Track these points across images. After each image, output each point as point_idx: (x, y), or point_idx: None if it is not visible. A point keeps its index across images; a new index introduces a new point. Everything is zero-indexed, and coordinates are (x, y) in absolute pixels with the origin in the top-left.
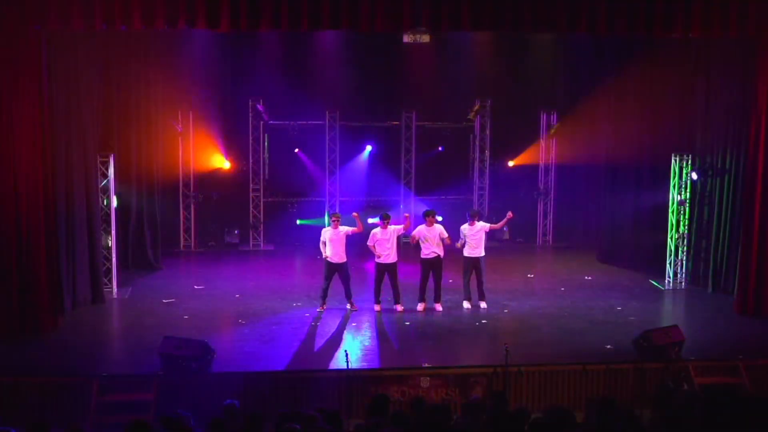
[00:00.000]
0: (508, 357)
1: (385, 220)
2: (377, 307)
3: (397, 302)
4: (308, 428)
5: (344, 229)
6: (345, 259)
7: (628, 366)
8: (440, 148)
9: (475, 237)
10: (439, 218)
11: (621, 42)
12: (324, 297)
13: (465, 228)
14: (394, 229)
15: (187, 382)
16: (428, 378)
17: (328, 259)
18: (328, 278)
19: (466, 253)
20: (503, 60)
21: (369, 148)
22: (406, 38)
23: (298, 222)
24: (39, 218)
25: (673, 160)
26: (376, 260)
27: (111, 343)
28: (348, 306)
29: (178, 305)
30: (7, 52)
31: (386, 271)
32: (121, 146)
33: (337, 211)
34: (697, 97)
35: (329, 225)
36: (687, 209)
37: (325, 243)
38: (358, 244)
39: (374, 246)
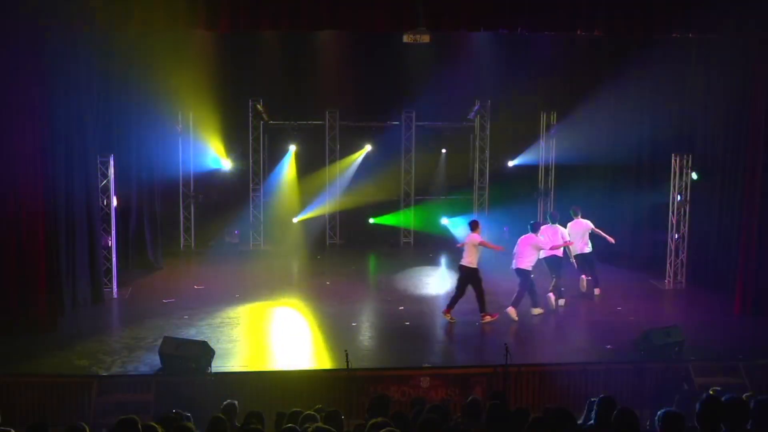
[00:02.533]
0: (508, 357)
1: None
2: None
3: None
4: (307, 428)
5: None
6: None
7: (628, 366)
8: (443, 150)
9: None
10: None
11: (621, 42)
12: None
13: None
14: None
15: (187, 382)
16: (428, 378)
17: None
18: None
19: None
20: (503, 60)
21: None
22: (406, 38)
23: (294, 220)
24: (39, 218)
25: (673, 160)
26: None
27: (111, 343)
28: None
29: (178, 305)
30: (7, 52)
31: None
32: (121, 146)
33: None
34: (697, 97)
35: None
36: (687, 209)
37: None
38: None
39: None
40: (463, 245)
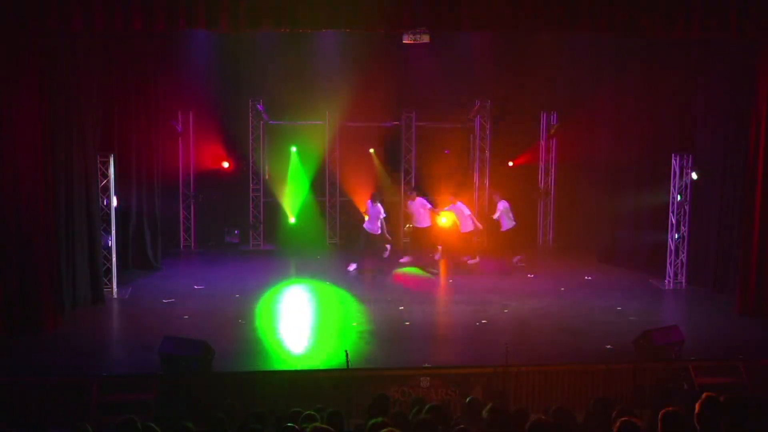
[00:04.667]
0: (508, 357)
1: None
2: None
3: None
4: (307, 428)
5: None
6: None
7: (628, 366)
8: (446, 152)
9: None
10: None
11: (621, 42)
12: None
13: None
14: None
15: (187, 382)
16: (428, 378)
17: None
18: None
19: None
20: (503, 60)
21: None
22: (406, 38)
23: (291, 221)
24: (39, 218)
25: (673, 160)
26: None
27: (111, 343)
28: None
29: (178, 305)
30: (7, 51)
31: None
32: (121, 146)
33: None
34: (697, 97)
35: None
36: (687, 209)
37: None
38: None
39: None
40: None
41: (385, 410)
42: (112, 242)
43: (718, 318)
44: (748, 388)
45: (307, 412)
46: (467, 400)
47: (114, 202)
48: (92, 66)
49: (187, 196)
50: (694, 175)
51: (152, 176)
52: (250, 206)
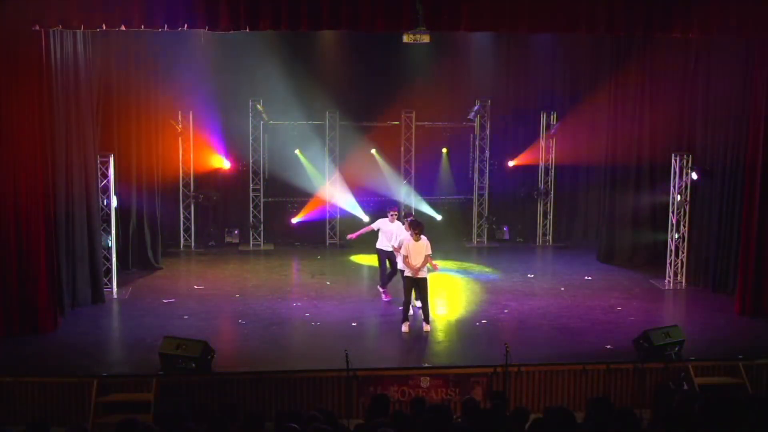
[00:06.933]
0: (508, 357)
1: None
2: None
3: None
4: (307, 428)
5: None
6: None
7: (628, 366)
8: (444, 150)
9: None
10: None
11: (620, 42)
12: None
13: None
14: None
15: (187, 382)
16: (428, 378)
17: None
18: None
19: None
20: (503, 60)
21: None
22: (406, 38)
23: (293, 221)
24: (39, 218)
25: (673, 160)
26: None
27: (111, 343)
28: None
29: (178, 305)
30: (7, 51)
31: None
32: (121, 146)
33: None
34: (697, 97)
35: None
36: (687, 209)
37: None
38: None
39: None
40: None
41: (385, 410)
42: (112, 242)
43: (718, 318)
44: (748, 388)
45: (308, 412)
46: (463, 399)
47: (114, 202)
48: (92, 65)
49: (187, 196)
50: (694, 175)
51: (152, 176)
52: (250, 206)
